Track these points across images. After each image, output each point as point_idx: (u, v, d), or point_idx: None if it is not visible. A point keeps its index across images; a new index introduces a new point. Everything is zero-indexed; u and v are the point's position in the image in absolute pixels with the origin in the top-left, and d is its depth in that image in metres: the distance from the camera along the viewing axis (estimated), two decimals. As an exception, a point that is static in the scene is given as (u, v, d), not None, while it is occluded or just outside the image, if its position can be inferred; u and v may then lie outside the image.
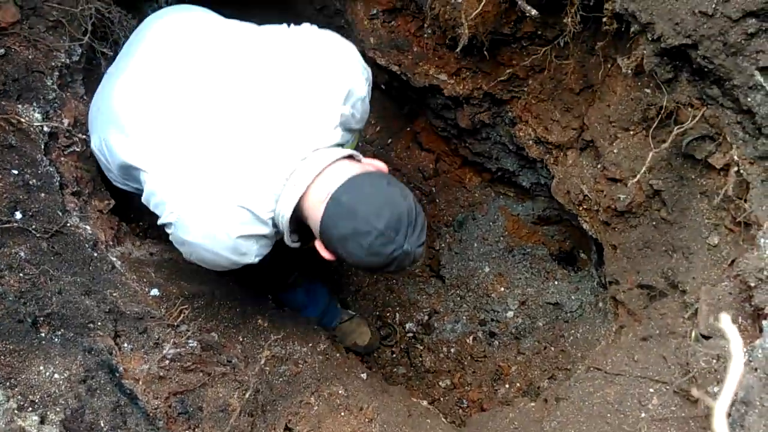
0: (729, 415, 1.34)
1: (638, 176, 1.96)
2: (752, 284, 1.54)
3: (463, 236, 3.27)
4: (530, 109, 2.57)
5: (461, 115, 2.79)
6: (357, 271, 3.16)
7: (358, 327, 2.85)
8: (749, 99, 1.62)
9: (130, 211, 2.32)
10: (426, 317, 3.04)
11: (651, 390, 1.77)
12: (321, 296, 2.70)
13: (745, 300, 1.61)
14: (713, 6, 1.57)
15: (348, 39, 2.66)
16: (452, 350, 2.88)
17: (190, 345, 1.95)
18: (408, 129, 3.33)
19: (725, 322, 0.65)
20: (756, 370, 1.28)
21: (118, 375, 1.60)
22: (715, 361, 1.61)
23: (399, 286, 3.14)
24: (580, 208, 2.43)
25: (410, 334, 2.97)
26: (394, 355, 2.91)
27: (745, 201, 1.70)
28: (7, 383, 1.27)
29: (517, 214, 3.23)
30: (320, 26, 1.79)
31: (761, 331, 1.42)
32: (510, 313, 2.95)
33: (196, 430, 1.69)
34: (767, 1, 1.47)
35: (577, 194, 2.40)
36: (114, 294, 1.97)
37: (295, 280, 2.54)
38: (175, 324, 2.01)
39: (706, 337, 1.71)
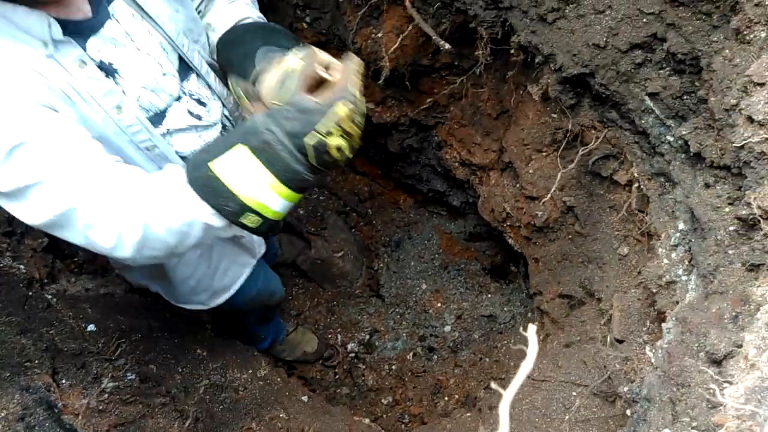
0: (634, 412, 1.48)
1: (550, 194, 2.11)
2: (654, 290, 1.69)
3: (401, 255, 3.38)
4: (453, 133, 2.71)
5: (390, 140, 2.91)
6: (298, 294, 3.22)
7: (304, 336, 2.94)
8: (643, 121, 1.79)
9: (64, 247, 2.31)
10: (367, 336, 3.12)
11: (574, 393, 1.90)
12: (278, 318, 2.77)
13: (650, 305, 1.77)
14: (605, 39, 1.73)
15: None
16: (393, 367, 2.96)
17: (129, 378, 1.97)
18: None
19: (530, 331, 0.79)
20: (656, 368, 1.42)
21: (57, 411, 1.61)
22: (627, 362, 1.76)
23: (340, 307, 3.21)
24: (505, 225, 2.57)
25: (352, 354, 3.04)
26: (337, 376, 2.97)
27: (646, 214, 1.87)
28: (-59, 428, 1.28)
29: (450, 232, 3.36)
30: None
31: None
32: (447, 328, 3.07)
33: (138, 462, 1.71)
34: (649, 35, 1.65)
35: (501, 212, 2.54)
36: (51, 331, 1.98)
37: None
38: (113, 358, 2.03)
39: (620, 341, 1.86)
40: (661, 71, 1.68)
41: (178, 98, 1.47)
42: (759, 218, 1.29)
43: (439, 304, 3.16)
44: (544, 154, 2.22)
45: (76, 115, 1.24)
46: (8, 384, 1.62)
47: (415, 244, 3.39)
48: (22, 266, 2.17)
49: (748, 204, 1.32)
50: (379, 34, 2.29)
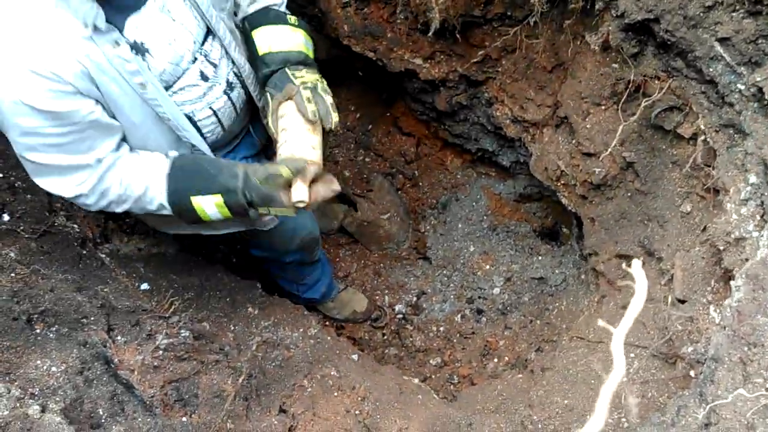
0: (700, 372, 1.41)
1: (609, 149, 2.02)
2: (721, 248, 1.60)
3: (448, 218, 3.32)
4: (505, 89, 2.61)
5: (438, 98, 2.83)
6: (345, 256, 3.21)
7: (355, 295, 2.96)
8: (711, 69, 1.68)
9: (117, 208, 2.35)
10: (414, 298, 3.10)
11: (632, 355, 1.84)
12: (329, 268, 2.78)
13: (716, 263, 1.68)
14: (673, -20, 1.62)
15: (322, 27, 2.70)
16: (441, 329, 2.94)
17: (183, 335, 1.99)
18: (388, 114, 3.37)
19: (635, 266, 0.77)
20: (725, 328, 1.35)
21: (113, 366, 1.65)
22: (689, 323, 1.68)
23: (387, 269, 3.19)
24: (559, 184, 2.49)
25: (400, 316, 3.03)
26: (385, 337, 2.97)
27: (713, 168, 1.77)
28: (7, 378, 1.31)
29: (499, 193, 3.28)
30: (294, 14, 1.82)
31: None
32: (496, 290, 3.02)
33: (193, 415, 1.74)
34: (723, -27, 1.52)
35: (555, 170, 2.45)
36: (105, 290, 2.01)
37: (317, 254, 2.57)
38: (167, 315, 2.06)
39: (682, 301, 1.78)
40: (734, 14, 1.56)
41: (194, 60, 1.61)
42: None
43: (487, 267, 3.11)
44: (602, 107, 2.12)
45: (105, 89, 1.42)
46: (66, 339, 1.66)
47: (462, 205, 3.33)
48: (75, 225, 2.21)
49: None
50: (430, -16, 2.21)
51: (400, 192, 3.36)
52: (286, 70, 1.66)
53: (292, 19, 1.75)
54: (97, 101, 1.42)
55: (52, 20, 1.30)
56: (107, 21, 1.36)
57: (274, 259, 2.41)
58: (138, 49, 1.46)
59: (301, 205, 1.53)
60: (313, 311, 2.83)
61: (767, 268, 1.30)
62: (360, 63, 2.85)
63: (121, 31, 1.42)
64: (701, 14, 1.62)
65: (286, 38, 1.71)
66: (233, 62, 1.73)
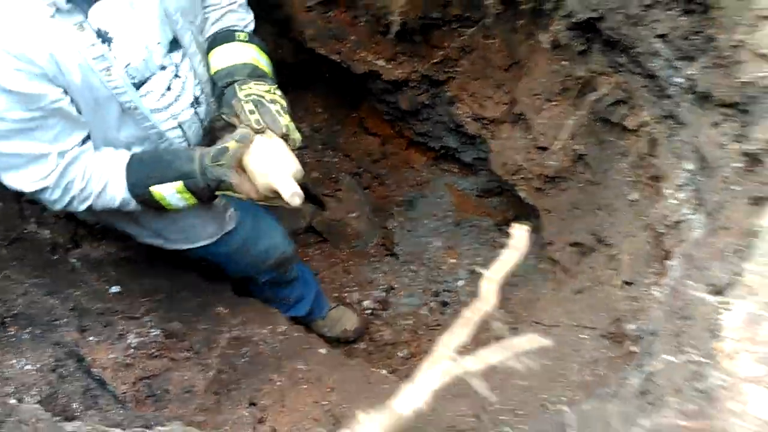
0: (639, 347, 1.52)
1: (562, 143, 2.12)
2: (661, 231, 1.71)
3: (414, 214, 3.40)
4: (465, 87, 2.70)
5: (402, 98, 2.92)
6: (314, 255, 3.27)
7: (345, 313, 2.92)
8: (652, 64, 1.79)
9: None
10: (383, 294, 3.17)
11: (583, 336, 1.94)
12: (315, 285, 2.74)
13: (657, 246, 1.79)
14: (612, -18, 1.72)
15: (288, 31, 2.76)
16: (409, 322, 3.02)
17: (154, 334, 2.04)
18: (354, 115, 3.44)
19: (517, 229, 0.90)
20: (661, 303, 1.45)
21: (86, 364, 1.69)
22: (635, 302, 1.79)
23: (356, 266, 3.26)
24: (517, 178, 2.58)
25: (368, 311, 3.10)
26: (355, 332, 3.03)
27: (655, 158, 1.88)
28: (-19, 376, 1.35)
29: (463, 189, 3.37)
30: (258, 19, 1.88)
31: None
32: (461, 282, 3.11)
33: (164, 410, 1.78)
34: (657, -25, 1.63)
35: (512, 165, 2.55)
36: (77, 293, 2.05)
37: (293, 272, 2.51)
38: (138, 316, 2.10)
39: (629, 283, 1.89)
40: (670, 12, 1.67)
41: (163, 68, 1.62)
42: (765, 152, 1.30)
43: (452, 260, 3.20)
44: (555, 103, 2.22)
45: (69, 77, 1.41)
46: (40, 340, 1.70)
47: (428, 202, 3.41)
48: (47, 231, 2.24)
49: (756, 139, 1.33)
50: (387, -12, 2.29)
51: (367, 190, 3.43)
52: (235, 85, 1.66)
53: (242, 35, 1.77)
54: (65, 91, 1.42)
55: (19, 1, 1.30)
56: (70, 1, 1.36)
57: (250, 277, 2.40)
58: (102, 36, 1.46)
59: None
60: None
61: (699, 247, 1.41)
62: (325, 66, 2.91)
63: (85, 16, 1.42)
64: (641, 13, 1.73)
65: (233, 54, 1.72)
66: (200, 78, 1.74)
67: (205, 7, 1.80)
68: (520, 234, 1.07)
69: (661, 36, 1.70)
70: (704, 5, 1.56)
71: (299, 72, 3.04)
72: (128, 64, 1.52)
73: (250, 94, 1.62)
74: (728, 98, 1.45)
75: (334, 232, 3.28)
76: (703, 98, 1.58)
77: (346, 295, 3.16)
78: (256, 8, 1.90)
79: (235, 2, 1.83)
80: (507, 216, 3.28)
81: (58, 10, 1.34)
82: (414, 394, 0.91)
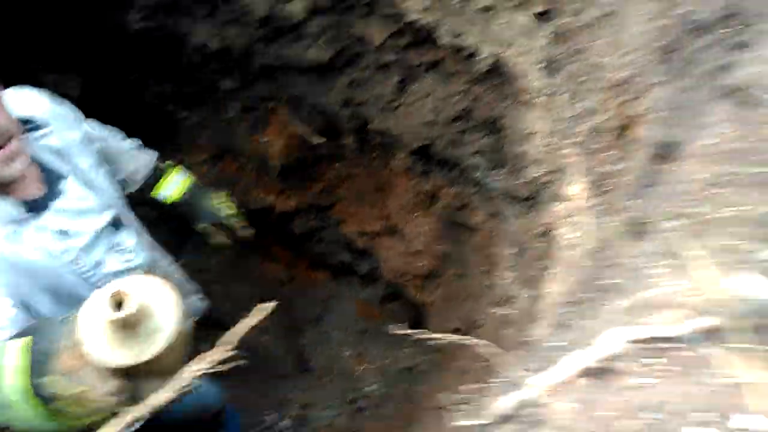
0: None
1: (425, 245, 2.53)
2: (501, 304, 2.09)
3: (323, 328, 3.68)
4: (347, 210, 3.12)
5: (295, 225, 3.29)
6: (231, 381, 3.43)
7: None
8: (475, 175, 2.25)
9: None
10: (301, 411, 3.35)
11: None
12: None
13: (502, 321, 2.16)
14: (433, 116, 2.21)
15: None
16: (327, 432, 3.20)
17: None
18: (257, 246, 3.77)
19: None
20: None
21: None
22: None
23: (271, 388, 3.44)
24: (402, 281, 2.96)
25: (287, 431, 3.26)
26: (277, 453, 3.16)
27: (494, 246, 2.30)
28: None
29: (365, 298, 3.70)
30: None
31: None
32: (373, 386, 3.35)
33: None
34: (462, 108, 2.13)
35: (397, 270, 2.93)
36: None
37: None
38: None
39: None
40: (477, 134, 2.16)
41: (112, 247, 1.73)
42: (548, 229, 1.72)
43: (363, 367, 3.45)
44: (416, 214, 2.65)
45: (36, 273, 1.49)
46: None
47: (335, 315, 3.70)
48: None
49: (541, 223, 1.77)
50: (266, 139, 2.72)
51: (277, 314, 3.69)
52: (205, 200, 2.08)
53: (164, 165, 2.08)
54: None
55: None
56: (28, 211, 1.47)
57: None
58: (61, 233, 1.55)
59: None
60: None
61: (523, 317, 1.79)
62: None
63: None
64: (457, 136, 2.21)
65: (177, 182, 2.08)
66: (145, 250, 1.85)
67: (119, 163, 2.00)
68: (262, 308, 1.15)
69: (476, 152, 2.18)
70: (498, 127, 2.06)
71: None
72: (86, 250, 1.62)
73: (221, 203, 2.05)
74: (522, 194, 1.90)
75: (248, 357, 3.48)
76: (511, 196, 2.03)
77: (265, 417, 3.31)
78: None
79: (134, 144, 2.06)
80: (409, 316, 3.62)
81: (19, 221, 1.46)
82: None
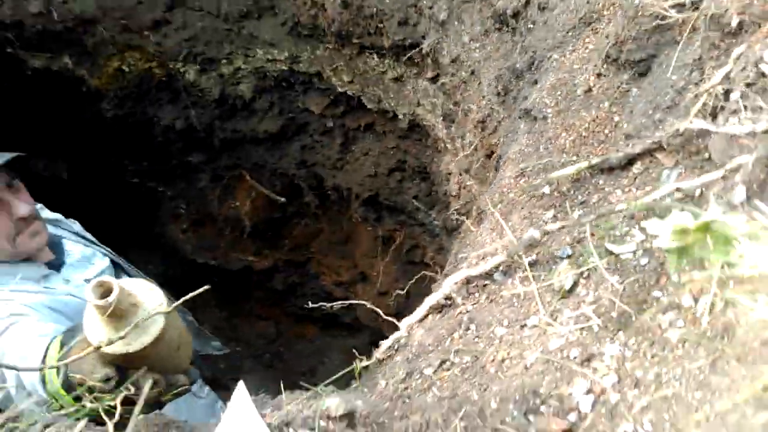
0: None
1: (387, 287, 2.76)
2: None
3: (317, 381, 3.86)
4: (322, 263, 3.38)
5: (275, 282, 3.55)
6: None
7: None
8: (419, 216, 2.52)
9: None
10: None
11: None
12: None
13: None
14: (374, 170, 2.50)
15: (166, 249, 3.38)
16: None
17: None
18: (245, 306, 4.01)
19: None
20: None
21: None
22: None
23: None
24: (380, 323, 3.18)
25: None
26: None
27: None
28: None
29: (354, 346, 3.90)
30: (142, 246, 2.49)
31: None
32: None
33: None
34: (397, 160, 2.42)
35: (371, 314, 3.15)
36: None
37: None
38: None
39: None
40: (414, 181, 2.44)
41: None
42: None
43: (354, 410, 3.62)
44: (378, 258, 2.90)
45: (68, 311, 1.67)
46: None
47: (327, 367, 3.90)
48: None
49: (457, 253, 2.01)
50: (237, 203, 3.02)
51: (270, 368, 3.90)
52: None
53: None
54: None
55: None
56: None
57: None
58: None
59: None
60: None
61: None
62: (208, 272, 3.54)
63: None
64: (397, 185, 2.49)
65: None
66: None
67: None
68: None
69: (415, 197, 2.46)
70: (427, 172, 2.34)
71: (189, 284, 3.64)
72: None
73: None
74: (451, 227, 2.16)
75: (246, 412, 3.67)
76: (447, 230, 2.29)
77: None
78: (143, 240, 2.51)
79: None
80: (391, 360, 3.81)
81: (46, 277, 1.71)
82: None
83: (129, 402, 1.17)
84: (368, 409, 0.83)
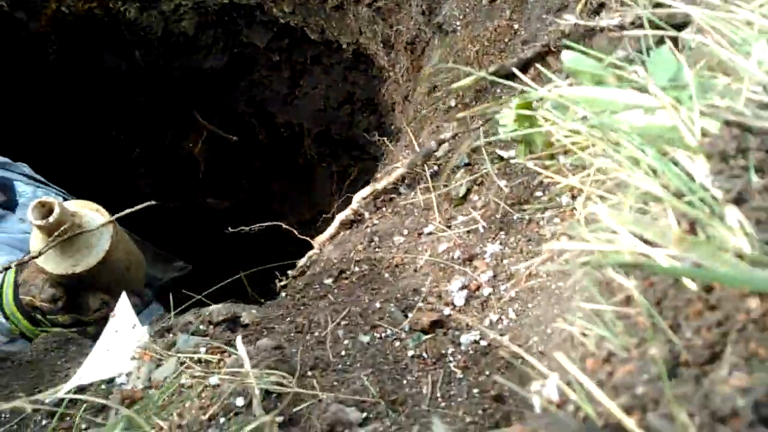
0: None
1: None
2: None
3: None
4: (283, 202, 3.38)
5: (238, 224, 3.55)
6: None
7: None
8: (372, 150, 2.51)
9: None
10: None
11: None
12: None
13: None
14: (323, 103, 2.47)
15: (125, 195, 3.36)
16: None
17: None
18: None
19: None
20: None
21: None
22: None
23: None
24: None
25: None
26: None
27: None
28: None
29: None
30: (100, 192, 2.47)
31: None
32: None
33: None
34: (348, 92, 2.39)
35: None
36: None
37: None
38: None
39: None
40: (364, 114, 2.42)
41: None
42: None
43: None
44: (335, 196, 2.91)
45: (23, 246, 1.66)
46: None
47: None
48: None
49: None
50: (190, 144, 2.98)
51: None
52: None
53: None
54: None
55: None
56: None
57: None
58: None
59: None
60: None
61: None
62: (163, 217, 3.52)
63: None
64: (348, 118, 2.47)
65: None
66: None
67: None
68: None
69: (365, 130, 2.44)
70: (375, 104, 2.32)
71: (152, 229, 3.64)
72: None
73: None
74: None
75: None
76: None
77: None
78: (101, 186, 2.48)
79: None
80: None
81: None
82: None
83: (81, 323, 1.20)
84: (260, 316, 0.85)
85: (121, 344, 0.79)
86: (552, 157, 0.72)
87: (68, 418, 0.67)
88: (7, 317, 1.29)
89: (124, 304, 0.88)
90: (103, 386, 0.73)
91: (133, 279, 1.23)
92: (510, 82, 0.89)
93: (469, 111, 1.05)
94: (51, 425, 0.69)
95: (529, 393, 0.44)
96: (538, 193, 0.83)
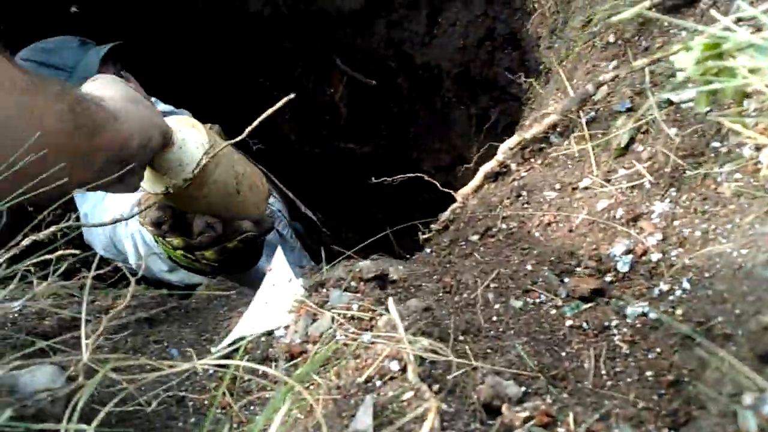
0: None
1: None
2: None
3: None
4: (422, 148, 3.36)
5: (379, 169, 3.59)
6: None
7: None
8: (513, 90, 2.39)
9: None
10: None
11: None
12: None
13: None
14: (462, 42, 2.38)
15: (271, 140, 3.52)
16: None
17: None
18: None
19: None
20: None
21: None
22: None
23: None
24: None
25: None
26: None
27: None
28: None
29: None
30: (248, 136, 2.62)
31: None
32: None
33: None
34: (488, 28, 2.28)
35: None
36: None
37: None
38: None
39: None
40: (505, 51, 2.30)
41: None
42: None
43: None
44: (473, 139, 2.83)
45: None
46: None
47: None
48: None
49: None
50: (331, 90, 3.03)
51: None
52: None
53: None
54: None
55: None
56: None
57: None
58: None
59: None
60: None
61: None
62: (307, 162, 3.65)
63: None
64: (489, 57, 2.36)
65: None
66: None
67: None
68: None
69: (507, 69, 2.33)
70: (518, 39, 2.19)
71: (295, 174, 3.80)
72: None
73: None
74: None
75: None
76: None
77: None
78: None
79: None
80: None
81: None
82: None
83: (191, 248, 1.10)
84: (407, 272, 0.84)
85: (278, 298, 0.83)
86: (740, 105, 0.62)
87: (230, 368, 0.71)
88: (156, 241, 1.22)
89: (279, 258, 0.91)
90: (263, 338, 0.76)
91: (247, 204, 1.11)
92: (679, 19, 0.78)
93: (635, 52, 0.94)
94: (217, 373, 0.74)
95: (740, 406, 0.38)
96: (715, 144, 0.72)
